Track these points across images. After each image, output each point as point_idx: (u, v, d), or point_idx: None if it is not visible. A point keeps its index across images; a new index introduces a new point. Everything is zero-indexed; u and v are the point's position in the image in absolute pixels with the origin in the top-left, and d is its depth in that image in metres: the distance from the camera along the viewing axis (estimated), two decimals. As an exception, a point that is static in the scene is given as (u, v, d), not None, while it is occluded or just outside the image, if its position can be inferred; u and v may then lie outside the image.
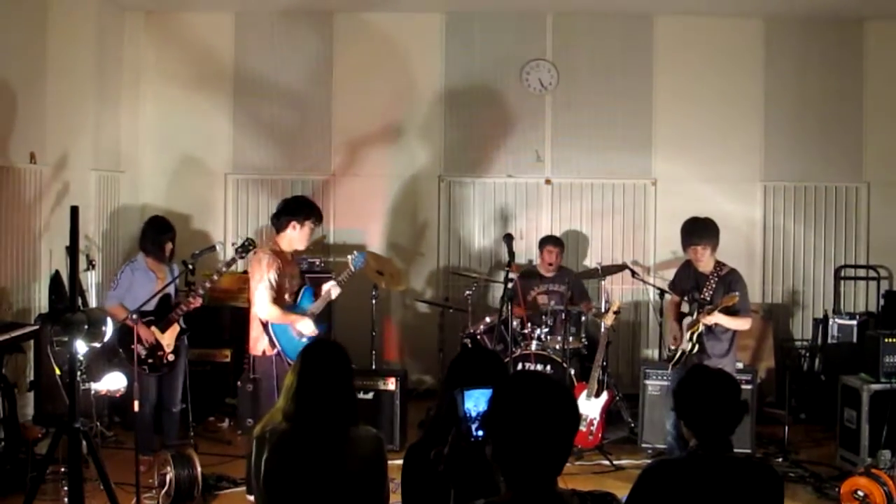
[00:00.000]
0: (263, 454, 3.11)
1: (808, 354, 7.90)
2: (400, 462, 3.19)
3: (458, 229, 8.55)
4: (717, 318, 5.46)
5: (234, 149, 8.51)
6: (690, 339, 5.58)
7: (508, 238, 6.33)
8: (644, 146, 8.45)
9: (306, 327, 5.37)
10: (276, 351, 5.29)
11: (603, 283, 7.42)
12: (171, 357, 5.98)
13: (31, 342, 5.98)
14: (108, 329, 4.27)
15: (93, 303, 7.18)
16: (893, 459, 5.49)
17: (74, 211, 3.76)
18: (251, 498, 3.58)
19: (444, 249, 8.53)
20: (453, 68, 8.46)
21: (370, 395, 6.42)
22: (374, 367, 7.33)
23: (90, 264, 7.08)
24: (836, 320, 7.57)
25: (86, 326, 3.70)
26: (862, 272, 8.34)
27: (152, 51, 8.43)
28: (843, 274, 8.28)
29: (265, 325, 5.33)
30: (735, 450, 3.14)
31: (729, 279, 5.60)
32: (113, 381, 5.27)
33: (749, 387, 6.37)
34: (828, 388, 6.94)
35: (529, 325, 6.86)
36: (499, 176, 8.50)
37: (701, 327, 5.52)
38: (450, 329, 7.67)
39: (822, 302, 8.38)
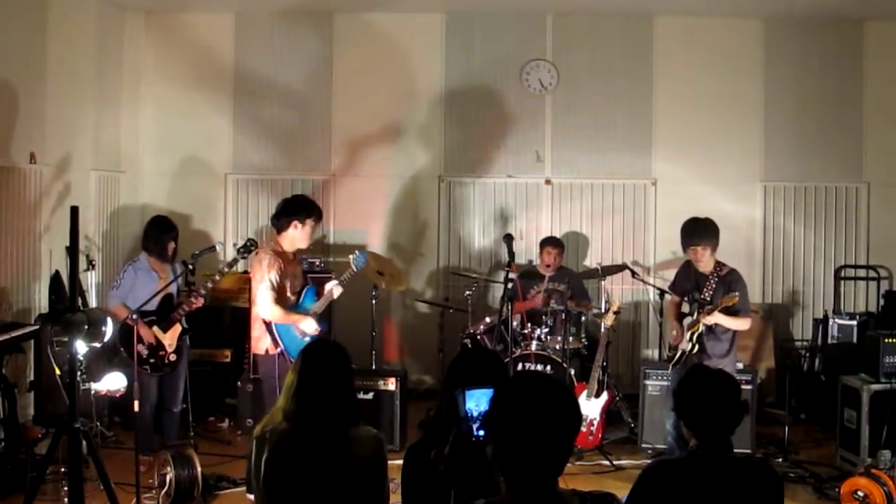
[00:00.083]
0: (263, 454, 3.11)
1: (808, 354, 7.90)
2: (400, 462, 3.19)
3: (458, 229, 8.55)
4: (717, 319, 5.46)
5: (234, 149, 8.52)
6: (690, 339, 5.58)
7: (508, 238, 6.34)
8: (644, 146, 8.45)
9: (309, 326, 5.39)
10: (279, 350, 5.31)
11: (603, 283, 7.42)
12: (172, 357, 5.98)
13: (32, 342, 5.98)
14: (108, 329, 4.27)
15: (93, 303, 7.18)
16: (893, 460, 5.49)
17: (74, 211, 3.76)
18: (251, 497, 3.59)
19: (444, 249, 8.53)
20: (453, 68, 8.46)
21: (370, 395, 6.42)
22: (374, 367, 7.33)
23: (90, 264, 7.08)
24: (836, 320, 7.56)
25: (86, 326, 3.70)
26: (862, 272, 8.35)
27: (152, 51, 8.44)
28: (843, 274, 8.28)
29: (268, 325, 5.34)
30: (735, 450, 3.13)
31: (729, 279, 5.60)
32: (113, 381, 5.26)
33: (749, 387, 6.37)
34: (828, 388, 6.94)
35: (529, 325, 6.86)
36: (499, 176, 8.51)
37: (701, 327, 5.52)
38: (450, 329, 7.67)
39: (822, 302, 8.38)
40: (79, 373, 4.37)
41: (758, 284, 8.28)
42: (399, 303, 8.50)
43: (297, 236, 5.47)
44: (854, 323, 7.42)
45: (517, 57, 8.44)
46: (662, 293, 7.10)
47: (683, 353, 5.63)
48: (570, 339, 6.80)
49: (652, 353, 8.22)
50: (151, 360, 5.89)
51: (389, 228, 8.50)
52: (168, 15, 8.44)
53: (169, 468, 5.12)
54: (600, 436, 6.50)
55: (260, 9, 8.37)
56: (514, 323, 6.62)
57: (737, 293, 5.42)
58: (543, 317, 6.88)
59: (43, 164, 6.74)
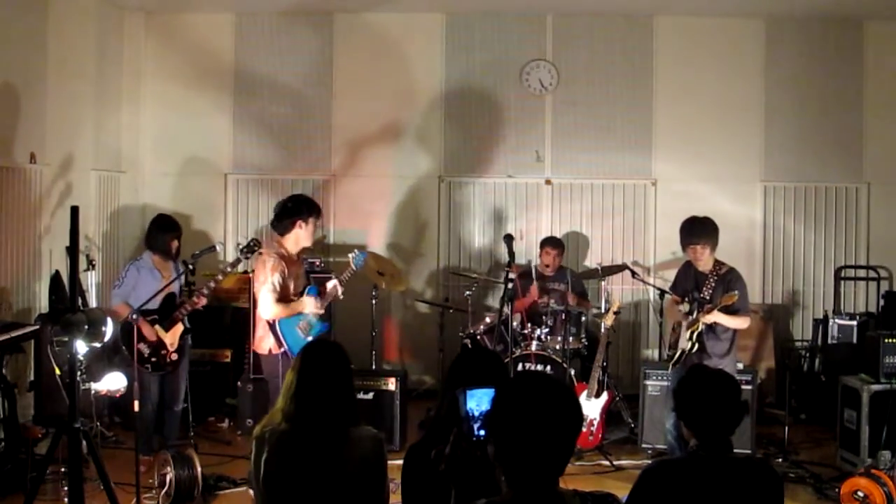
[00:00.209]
0: (263, 454, 3.11)
1: (808, 355, 7.89)
2: (400, 462, 3.19)
3: (458, 229, 8.55)
4: (717, 317, 5.47)
5: (235, 149, 8.52)
6: (690, 338, 5.57)
7: (508, 238, 6.34)
8: (644, 146, 8.45)
9: (309, 305, 5.40)
10: (282, 350, 5.32)
11: (603, 283, 7.42)
12: (174, 356, 5.98)
13: (32, 342, 5.98)
14: (109, 329, 4.27)
15: (93, 303, 7.18)
16: (893, 460, 5.49)
17: (75, 211, 3.76)
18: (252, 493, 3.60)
19: (444, 249, 8.53)
20: (453, 68, 8.46)
21: (370, 395, 6.42)
22: (374, 367, 7.33)
23: (90, 264, 7.08)
24: (836, 321, 7.56)
25: (86, 326, 3.69)
26: (862, 272, 8.35)
27: (152, 51, 8.44)
28: (843, 274, 8.28)
29: (272, 325, 5.35)
30: (735, 450, 3.13)
31: (728, 278, 5.60)
32: (113, 381, 5.27)
33: (749, 387, 6.36)
34: (828, 388, 6.94)
35: (529, 325, 6.86)
36: (499, 176, 8.51)
37: (701, 326, 5.52)
38: (450, 329, 7.67)
39: (822, 302, 8.39)
40: (79, 373, 4.37)
41: (758, 284, 8.28)
42: (399, 303, 8.50)
43: (302, 235, 5.50)
44: (854, 323, 7.42)
45: (517, 57, 8.44)
46: (662, 293, 7.10)
47: (683, 352, 5.63)
48: (570, 339, 6.80)
49: (652, 353, 8.22)
50: (153, 360, 5.89)
51: (389, 228, 8.50)
52: (168, 15, 8.44)
53: (169, 468, 5.12)
54: (600, 436, 6.50)
55: (260, 9, 8.37)
56: (514, 323, 6.62)
57: (736, 292, 5.42)
58: (543, 317, 6.87)
59: (43, 164, 6.75)
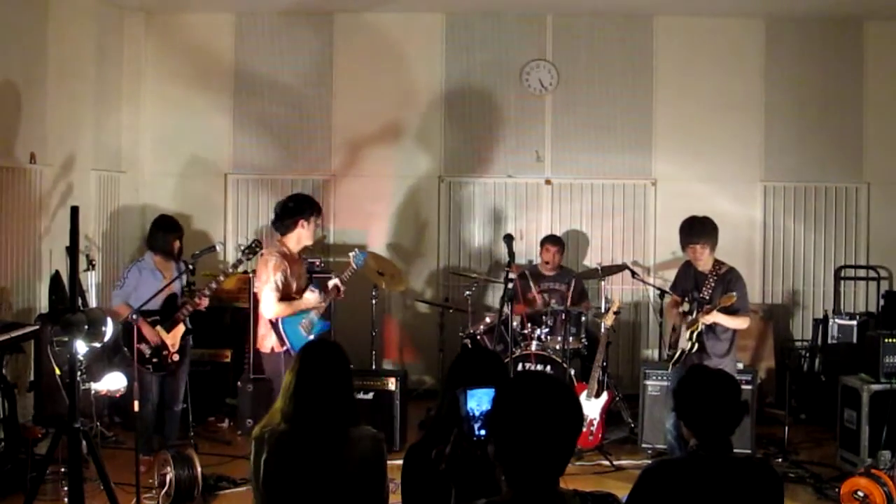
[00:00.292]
0: (262, 455, 3.11)
1: (808, 355, 7.89)
2: (400, 462, 3.19)
3: (458, 229, 8.55)
4: (716, 317, 5.46)
5: (235, 149, 8.52)
6: (690, 338, 5.57)
7: (508, 238, 6.34)
8: (644, 146, 8.45)
9: (311, 298, 5.43)
10: (285, 348, 5.33)
11: (603, 283, 7.42)
12: (175, 357, 5.98)
13: (32, 342, 5.98)
14: (109, 329, 4.26)
15: (93, 303, 7.18)
16: (893, 460, 5.49)
17: (75, 211, 3.76)
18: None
19: (444, 249, 8.53)
20: (453, 68, 8.46)
21: (370, 395, 6.42)
22: (374, 367, 7.33)
23: (90, 264, 7.08)
24: (836, 320, 7.56)
25: (86, 326, 3.69)
26: (862, 272, 8.35)
27: (152, 51, 8.44)
28: (843, 274, 8.28)
29: (274, 323, 5.36)
30: (735, 450, 3.13)
31: (728, 278, 5.60)
32: (113, 381, 5.27)
33: (749, 387, 6.36)
34: (828, 388, 6.94)
35: (529, 325, 6.86)
36: (499, 176, 8.51)
37: (700, 326, 5.52)
38: (450, 329, 7.67)
39: (822, 302, 8.38)
40: (79, 373, 4.36)
41: (758, 284, 8.28)
42: (399, 303, 8.50)
43: (304, 234, 5.52)
44: (854, 323, 7.41)
45: (517, 57, 8.44)
46: (662, 293, 7.10)
47: (683, 352, 5.62)
48: (570, 339, 6.80)
49: (652, 353, 8.22)
50: (154, 360, 5.89)
51: (389, 228, 8.50)
52: (168, 15, 8.44)
53: (169, 468, 5.12)
54: (600, 436, 6.50)
55: (260, 9, 8.37)
56: (514, 323, 6.62)
57: (735, 293, 5.41)
58: (543, 317, 6.87)
59: (43, 164, 6.75)
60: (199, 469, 5.20)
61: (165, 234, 6.12)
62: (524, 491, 2.19)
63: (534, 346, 6.71)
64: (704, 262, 5.67)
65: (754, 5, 8.06)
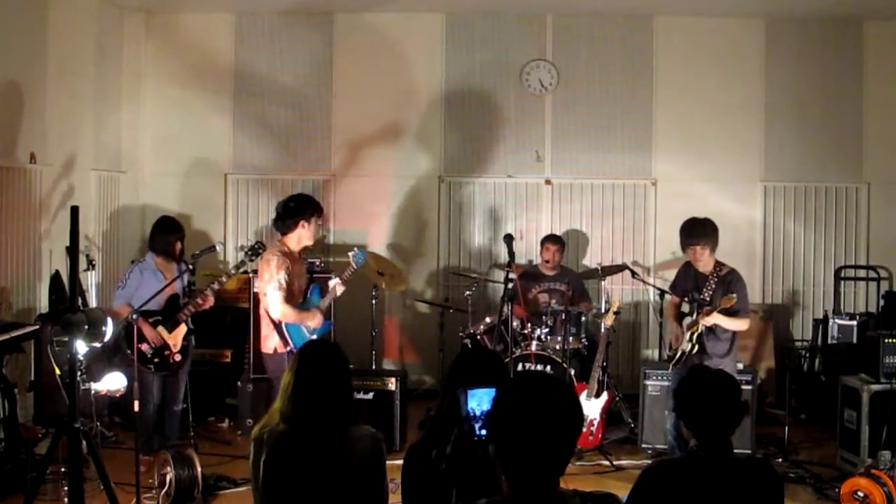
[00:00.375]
0: (262, 456, 3.11)
1: (808, 355, 7.89)
2: (400, 462, 3.19)
3: (458, 229, 8.55)
4: (716, 319, 5.46)
5: (235, 149, 8.52)
6: (690, 339, 5.57)
7: (509, 238, 6.34)
8: (644, 146, 8.45)
9: (316, 320, 5.44)
10: (288, 349, 5.33)
11: (603, 283, 7.42)
12: (177, 357, 5.98)
13: (32, 342, 5.97)
14: (109, 329, 4.27)
15: (93, 303, 7.18)
16: (893, 460, 5.49)
17: (75, 211, 3.76)
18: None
19: (444, 249, 8.53)
20: (453, 68, 8.46)
21: (370, 395, 6.42)
22: (374, 367, 7.33)
23: (90, 264, 7.08)
24: (836, 321, 7.56)
25: (86, 326, 3.69)
26: (862, 273, 8.35)
27: (152, 51, 8.44)
28: (843, 274, 8.28)
29: (277, 324, 5.36)
30: (735, 450, 3.13)
31: (728, 279, 5.59)
32: (113, 381, 5.27)
33: (749, 387, 6.36)
34: (828, 388, 6.94)
35: (529, 325, 6.86)
36: (499, 176, 8.50)
37: (700, 328, 5.52)
38: (450, 329, 7.67)
39: (822, 302, 8.38)
40: (79, 373, 4.36)
41: (758, 285, 8.28)
42: (399, 303, 8.50)
43: (304, 234, 5.51)
44: (854, 323, 7.41)
45: (517, 57, 8.44)
46: (662, 293, 7.10)
47: (683, 353, 5.62)
48: (570, 339, 6.80)
49: (652, 353, 8.22)
50: (156, 360, 5.89)
51: (390, 228, 8.50)
52: (168, 15, 8.44)
53: (169, 468, 5.12)
54: (600, 436, 6.50)
55: (260, 9, 8.37)
56: (515, 323, 6.61)
57: (735, 295, 5.41)
58: (543, 317, 6.87)
59: (43, 164, 6.74)
60: (199, 469, 5.20)
61: (167, 235, 6.12)
62: (524, 491, 2.19)
63: (534, 346, 6.71)
64: (705, 264, 5.67)
65: (754, 5, 8.06)
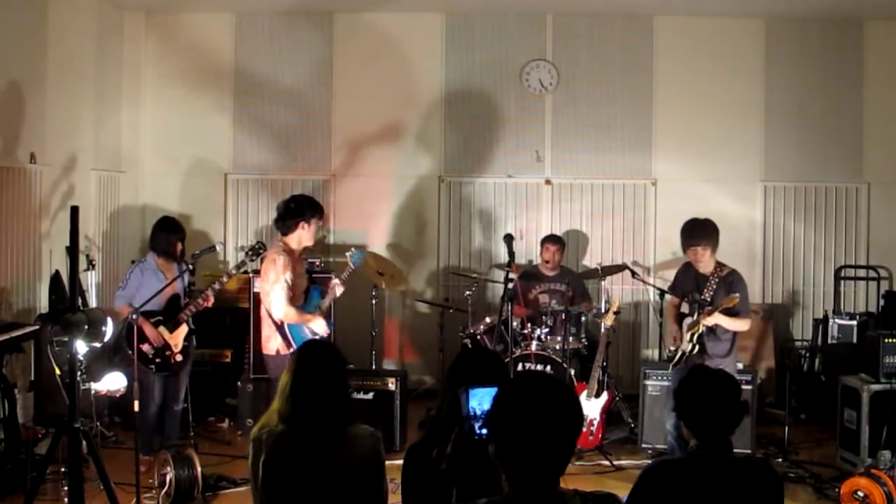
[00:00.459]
0: (261, 456, 3.11)
1: (808, 355, 7.89)
2: (400, 462, 3.19)
3: (458, 229, 8.55)
4: (717, 319, 5.46)
5: (235, 149, 8.52)
6: (691, 339, 5.57)
7: (509, 238, 6.34)
8: (644, 146, 8.45)
9: (319, 326, 5.44)
10: (291, 350, 5.32)
11: (603, 283, 7.42)
12: (178, 357, 5.98)
13: (32, 342, 5.97)
14: (109, 329, 4.27)
15: (93, 303, 7.18)
16: (893, 460, 5.49)
17: (75, 211, 3.76)
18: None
19: (444, 249, 8.53)
20: (453, 68, 8.46)
21: (370, 395, 6.41)
22: (374, 367, 7.33)
23: (90, 264, 7.08)
24: (836, 320, 7.56)
25: (86, 326, 3.70)
26: (862, 272, 8.34)
27: (152, 51, 8.44)
28: (843, 274, 8.28)
29: (280, 325, 5.35)
30: (735, 450, 3.13)
31: (730, 280, 5.59)
32: (113, 381, 5.27)
33: (749, 387, 6.37)
34: (828, 388, 6.94)
35: (529, 325, 6.86)
36: (499, 176, 8.51)
37: (701, 328, 5.52)
38: (450, 329, 7.67)
39: (822, 302, 8.38)
40: (79, 373, 4.37)
41: (758, 284, 8.27)
42: (399, 303, 8.50)
43: (305, 235, 5.51)
44: (854, 323, 7.41)
45: (517, 57, 8.44)
46: (662, 293, 7.10)
47: (684, 353, 5.62)
48: (570, 339, 6.80)
49: (652, 353, 8.22)
50: (157, 360, 5.89)
51: (389, 228, 8.50)
52: (168, 15, 8.44)
53: (169, 468, 5.12)
54: (600, 436, 6.50)
55: (260, 9, 8.37)
56: (515, 323, 6.61)
57: (738, 294, 5.41)
58: (543, 317, 6.87)
59: (43, 164, 6.74)
60: (199, 469, 5.20)
61: (168, 234, 6.12)
62: (525, 490, 2.19)
63: (534, 346, 6.71)
64: (705, 264, 5.66)
65: (754, 5, 8.06)
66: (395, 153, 8.48)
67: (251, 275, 7.08)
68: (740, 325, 5.57)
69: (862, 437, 5.95)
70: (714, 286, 5.59)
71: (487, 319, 7.11)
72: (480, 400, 2.55)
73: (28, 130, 6.55)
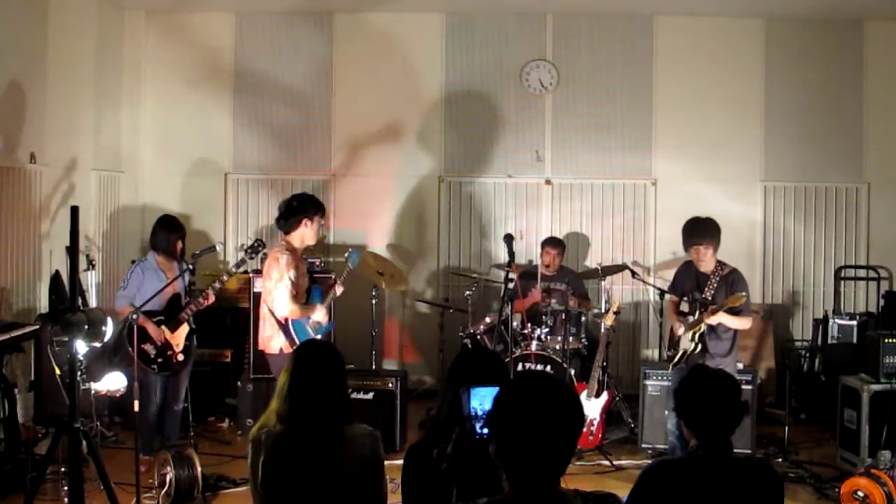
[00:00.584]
0: (259, 457, 3.11)
1: (808, 355, 7.89)
2: (400, 462, 3.18)
3: (458, 229, 8.55)
4: (721, 318, 5.46)
5: (235, 148, 8.52)
6: (692, 338, 5.57)
7: (508, 238, 6.33)
8: (644, 146, 8.45)
9: (321, 315, 5.46)
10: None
11: (603, 283, 7.42)
12: (180, 357, 5.98)
13: (32, 342, 5.97)
14: (109, 329, 4.27)
15: (93, 303, 7.18)
16: (893, 460, 5.48)
17: (75, 211, 3.76)
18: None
19: (444, 249, 8.53)
20: (453, 68, 8.46)
21: (370, 395, 6.41)
22: (374, 367, 7.33)
23: (90, 264, 7.08)
24: (836, 321, 7.56)
25: (86, 326, 3.69)
26: (862, 272, 8.35)
27: (152, 51, 8.44)
28: (843, 274, 8.28)
29: (284, 324, 5.35)
30: (735, 450, 3.13)
31: (731, 279, 5.59)
32: (113, 381, 5.27)
33: (749, 387, 6.37)
34: (828, 388, 6.93)
35: (529, 325, 6.86)
36: (499, 176, 8.51)
37: (703, 327, 5.52)
38: (450, 329, 7.67)
39: (822, 302, 8.38)
40: (79, 373, 4.36)
41: (758, 285, 8.27)
42: (399, 303, 8.50)
43: (307, 234, 5.52)
44: (854, 323, 7.42)
45: (517, 57, 8.44)
46: (662, 293, 7.08)
47: (685, 352, 5.62)
48: (570, 339, 6.80)
49: (652, 353, 8.22)
50: (159, 360, 5.89)
51: (389, 228, 8.50)
52: (168, 14, 8.44)
53: (169, 468, 5.12)
54: (600, 436, 6.50)
55: (260, 9, 8.37)
56: (515, 323, 6.62)
57: (744, 294, 5.41)
58: (543, 317, 6.87)
59: (43, 164, 6.74)
60: (199, 469, 5.20)
61: (168, 233, 6.13)
62: (525, 490, 2.19)
63: (534, 346, 6.70)
64: (707, 263, 5.66)
65: (754, 5, 8.06)
66: (396, 153, 8.48)
67: (251, 274, 7.08)
68: (743, 323, 5.57)
69: (862, 437, 5.95)
70: (715, 285, 5.59)
71: (487, 319, 7.11)
72: (482, 400, 2.55)
73: (28, 130, 6.55)
